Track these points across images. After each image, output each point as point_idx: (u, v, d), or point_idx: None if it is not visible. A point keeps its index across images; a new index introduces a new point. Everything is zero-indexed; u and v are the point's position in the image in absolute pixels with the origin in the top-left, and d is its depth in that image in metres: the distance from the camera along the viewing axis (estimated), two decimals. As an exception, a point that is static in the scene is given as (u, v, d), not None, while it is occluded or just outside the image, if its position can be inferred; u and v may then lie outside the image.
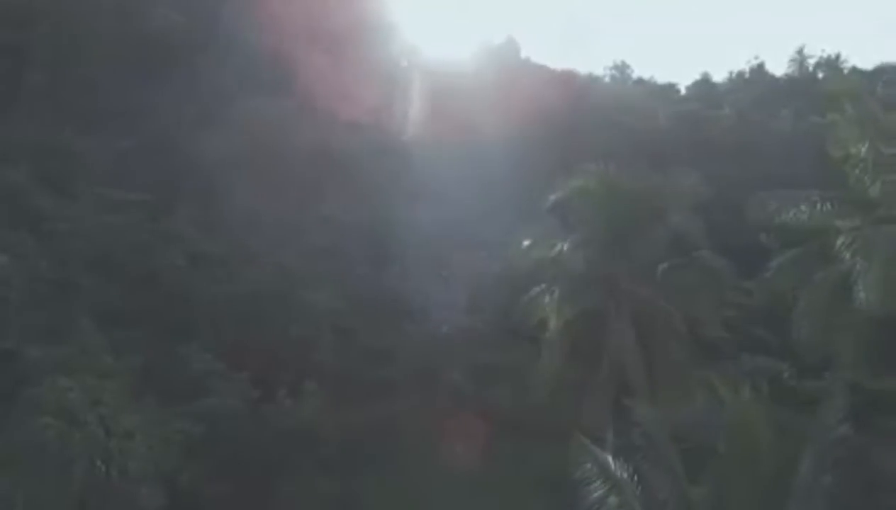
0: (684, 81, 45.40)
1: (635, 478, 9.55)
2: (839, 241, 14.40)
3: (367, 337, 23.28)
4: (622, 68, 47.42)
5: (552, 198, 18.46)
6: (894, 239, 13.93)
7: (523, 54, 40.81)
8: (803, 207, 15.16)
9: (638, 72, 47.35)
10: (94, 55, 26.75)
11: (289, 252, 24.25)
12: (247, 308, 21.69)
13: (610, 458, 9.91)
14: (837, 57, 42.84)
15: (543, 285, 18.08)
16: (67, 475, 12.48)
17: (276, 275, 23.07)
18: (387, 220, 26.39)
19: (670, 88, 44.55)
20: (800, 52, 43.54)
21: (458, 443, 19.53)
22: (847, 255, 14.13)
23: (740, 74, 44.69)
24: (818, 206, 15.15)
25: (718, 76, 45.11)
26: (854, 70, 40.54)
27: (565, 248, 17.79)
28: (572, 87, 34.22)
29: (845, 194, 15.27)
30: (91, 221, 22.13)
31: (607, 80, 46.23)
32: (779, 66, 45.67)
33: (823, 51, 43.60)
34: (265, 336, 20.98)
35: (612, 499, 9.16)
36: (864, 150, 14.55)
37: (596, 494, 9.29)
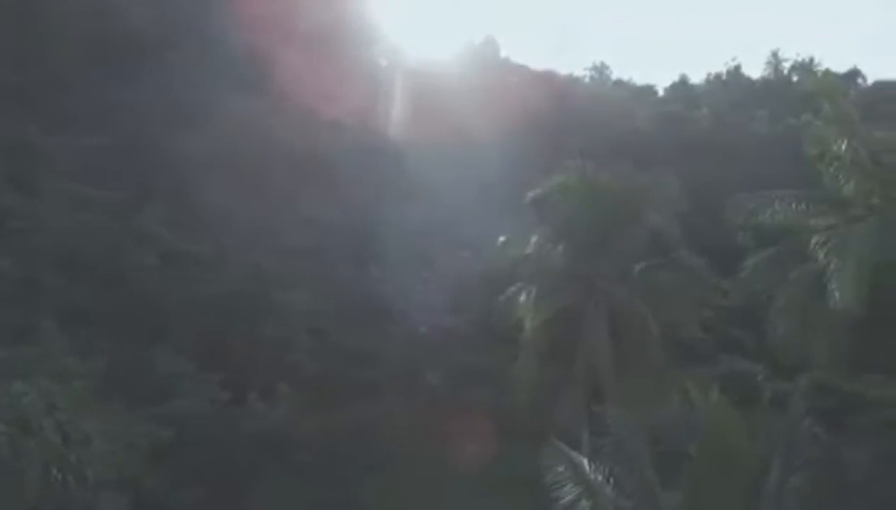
0: (662, 83, 45.78)
1: (610, 480, 9.40)
2: (813, 241, 14.41)
3: (346, 338, 22.93)
4: (601, 69, 47.66)
5: (531, 194, 18.37)
6: (868, 237, 13.96)
7: (503, 54, 40.80)
8: (778, 207, 15.17)
9: (616, 73, 47.63)
10: (65, 53, 26.15)
11: (267, 252, 23.84)
12: (221, 308, 21.25)
13: (585, 461, 9.75)
14: (811, 60, 43.43)
15: (520, 284, 17.93)
16: (21, 484, 11.99)
17: (252, 275, 22.67)
18: (368, 220, 26.10)
19: (648, 90, 44.83)
20: (775, 54, 44.10)
21: (439, 446, 19.30)
22: (821, 255, 14.14)
23: (717, 76, 45.07)
24: (793, 205, 15.18)
25: (696, 78, 45.52)
26: (827, 73, 40.96)
27: (540, 242, 17.66)
28: (553, 87, 34.24)
29: (820, 193, 15.31)
30: (59, 219, 21.56)
31: (587, 80, 46.40)
32: (755, 69, 46.19)
33: (798, 54, 44.24)
34: (240, 337, 20.58)
35: (584, 503, 9.00)
36: (842, 147, 14.59)
37: (568, 497, 9.13)
